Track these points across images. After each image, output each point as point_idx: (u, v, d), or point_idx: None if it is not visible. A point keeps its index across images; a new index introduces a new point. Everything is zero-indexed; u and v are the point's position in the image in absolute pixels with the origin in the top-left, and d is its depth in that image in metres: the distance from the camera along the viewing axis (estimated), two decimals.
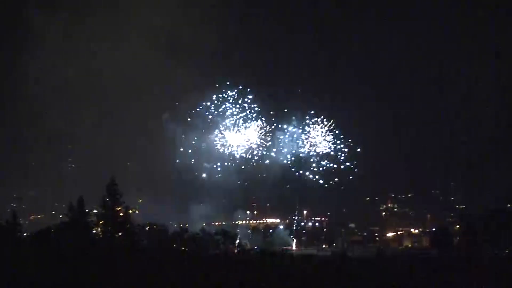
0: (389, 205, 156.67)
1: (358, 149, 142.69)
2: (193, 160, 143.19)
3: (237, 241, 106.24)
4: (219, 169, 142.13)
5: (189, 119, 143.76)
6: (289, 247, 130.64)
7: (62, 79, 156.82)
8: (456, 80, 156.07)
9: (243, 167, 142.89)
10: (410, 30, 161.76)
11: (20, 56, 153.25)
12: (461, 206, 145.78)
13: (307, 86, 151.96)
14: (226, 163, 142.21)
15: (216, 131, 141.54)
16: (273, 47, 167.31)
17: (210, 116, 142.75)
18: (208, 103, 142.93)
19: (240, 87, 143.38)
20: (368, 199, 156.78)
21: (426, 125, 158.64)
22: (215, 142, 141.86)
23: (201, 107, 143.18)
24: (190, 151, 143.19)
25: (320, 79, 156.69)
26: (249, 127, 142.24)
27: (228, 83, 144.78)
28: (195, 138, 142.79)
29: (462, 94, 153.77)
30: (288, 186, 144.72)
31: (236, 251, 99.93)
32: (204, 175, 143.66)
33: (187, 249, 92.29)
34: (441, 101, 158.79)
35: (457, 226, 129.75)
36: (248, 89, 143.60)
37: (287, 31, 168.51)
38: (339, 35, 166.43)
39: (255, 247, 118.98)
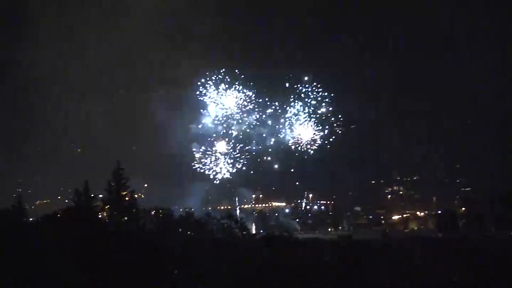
0: (395, 188, 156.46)
1: (352, 126, 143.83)
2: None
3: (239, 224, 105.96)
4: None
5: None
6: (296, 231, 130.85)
7: (65, 64, 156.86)
8: (465, 56, 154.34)
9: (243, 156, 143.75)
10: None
11: (20, 40, 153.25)
12: (467, 189, 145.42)
13: (305, 68, 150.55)
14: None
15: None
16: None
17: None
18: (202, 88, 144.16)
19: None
20: (373, 182, 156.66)
21: (431, 107, 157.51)
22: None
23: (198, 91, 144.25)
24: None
25: (320, 63, 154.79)
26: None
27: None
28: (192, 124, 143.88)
29: (470, 73, 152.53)
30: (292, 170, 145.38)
31: (240, 234, 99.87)
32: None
33: (192, 233, 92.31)
34: (447, 82, 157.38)
35: (463, 209, 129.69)
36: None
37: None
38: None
39: (261, 231, 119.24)
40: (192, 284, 59.42)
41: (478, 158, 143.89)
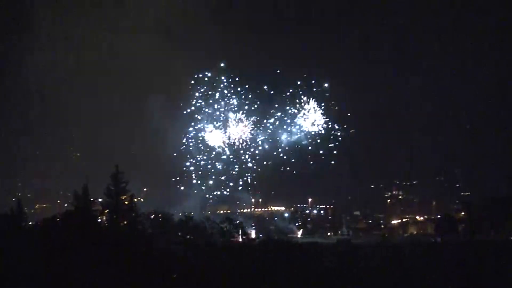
0: (394, 192, 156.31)
1: (352, 130, 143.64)
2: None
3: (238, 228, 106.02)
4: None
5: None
6: (294, 235, 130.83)
7: (64, 68, 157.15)
8: (461, 63, 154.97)
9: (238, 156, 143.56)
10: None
11: (20, 42, 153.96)
12: (466, 193, 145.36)
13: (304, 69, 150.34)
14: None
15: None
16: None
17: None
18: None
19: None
20: (372, 186, 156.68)
21: (431, 112, 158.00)
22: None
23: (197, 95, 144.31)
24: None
25: (318, 64, 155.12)
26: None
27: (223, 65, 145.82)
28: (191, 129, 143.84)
29: (466, 78, 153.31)
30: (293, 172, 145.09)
31: (240, 239, 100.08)
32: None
33: (192, 237, 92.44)
34: (445, 88, 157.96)
35: (462, 213, 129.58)
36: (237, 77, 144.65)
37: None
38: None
39: (260, 235, 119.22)
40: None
41: (477, 162, 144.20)
